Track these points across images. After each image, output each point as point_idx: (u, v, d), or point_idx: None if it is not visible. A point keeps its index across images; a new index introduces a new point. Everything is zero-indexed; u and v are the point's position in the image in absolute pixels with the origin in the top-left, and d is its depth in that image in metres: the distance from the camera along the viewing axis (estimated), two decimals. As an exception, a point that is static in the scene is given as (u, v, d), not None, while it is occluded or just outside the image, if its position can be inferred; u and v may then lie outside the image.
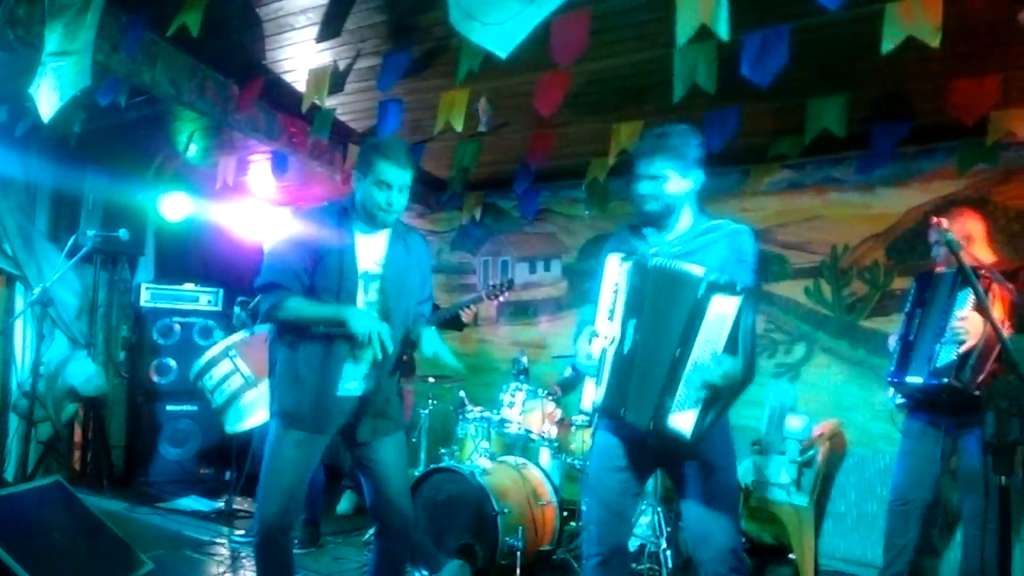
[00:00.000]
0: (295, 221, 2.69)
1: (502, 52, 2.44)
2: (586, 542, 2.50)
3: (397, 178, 2.60)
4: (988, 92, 3.33)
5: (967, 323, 3.04)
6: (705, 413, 2.12)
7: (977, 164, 4.00)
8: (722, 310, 2.10)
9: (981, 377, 3.06)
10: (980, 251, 3.35)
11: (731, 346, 2.10)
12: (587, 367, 2.37)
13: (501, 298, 4.72)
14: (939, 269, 3.35)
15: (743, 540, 2.39)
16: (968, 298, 3.07)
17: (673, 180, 2.35)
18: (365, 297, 2.67)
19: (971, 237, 3.33)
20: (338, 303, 2.58)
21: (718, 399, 2.14)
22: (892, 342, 3.54)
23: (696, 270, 2.16)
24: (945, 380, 3.06)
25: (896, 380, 3.33)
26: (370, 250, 2.70)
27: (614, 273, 2.32)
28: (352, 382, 2.65)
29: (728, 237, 2.37)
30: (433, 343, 2.72)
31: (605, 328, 2.32)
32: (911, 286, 3.46)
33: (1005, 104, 3.45)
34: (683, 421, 2.13)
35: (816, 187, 4.67)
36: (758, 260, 2.39)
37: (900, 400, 3.46)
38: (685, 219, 2.44)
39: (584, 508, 2.56)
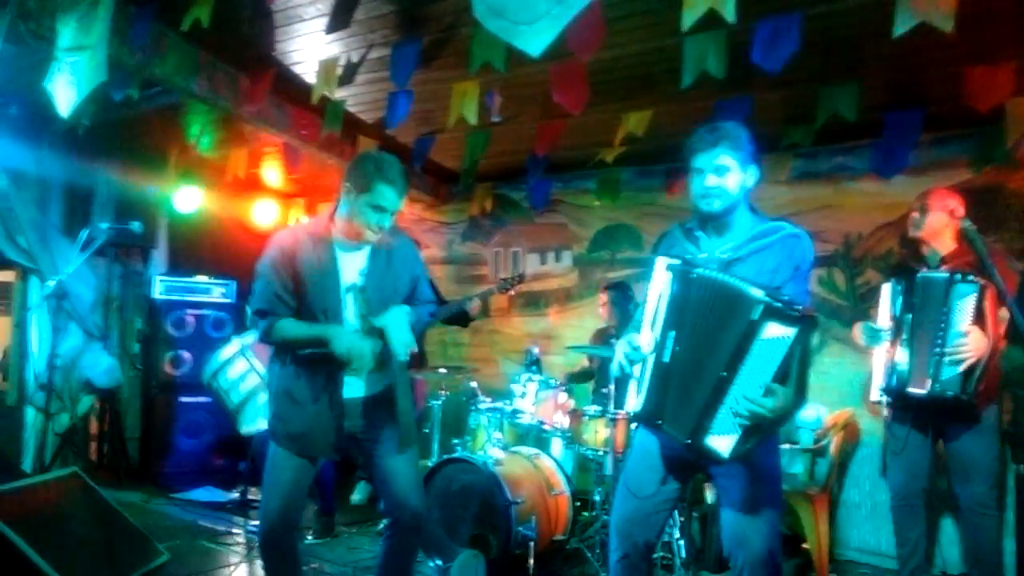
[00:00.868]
0: (274, 244, 2.65)
1: (534, 51, 2.41)
2: (613, 535, 2.46)
3: (394, 203, 2.60)
4: (1003, 80, 3.28)
5: (970, 340, 2.98)
6: (746, 438, 2.02)
7: (993, 160, 3.99)
8: (776, 336, 1.94)
9: (983, 386, 3.04)
10: (948, 236, 3.29)
11: (782, 373, 1.96)
12: (624, 372, 2.29)
13: (512, 292, 4.73)
14: (927, 272, 3.23)
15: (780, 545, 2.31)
16: (967, 308, 3.01)
17: (734, 173, 2.21)
18: (353, 309, 2.66)
19: (954, 212, 3.26)
20: (325, 321, 2.58)
21: (762, 428, 2.03)
22: (859, 334, 3.48)
23: (755, 291, 1.97)
24: (950, 394, 3.02)
25: (896, 390, 3.22)
26: (353, 262, 2.68)
27: (660, 278, 2.22)
28: (353, 385, 2.67)
29: (782, 242, 2.22)
30: (391, 319, 2.60)
31: (647, 334, 2.22)
32: (891, 286, 3.34)
33: (1021, 92, 3.39)
34: (722, 443, 2.03)
35: (829, 176, 4.63)
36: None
37: (882, 399, 3.38)
38: (741, 220, 2.29)
39: (615, 502, 2.49)
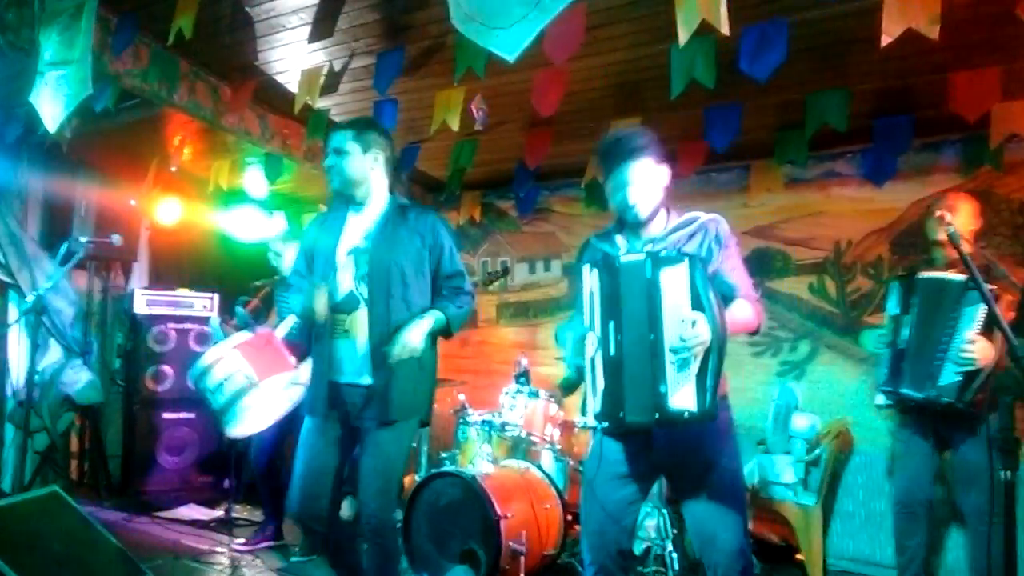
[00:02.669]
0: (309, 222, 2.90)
1: (509, 55, 2.40)
2: (586, 550, 2.45)
3: (330, 140, 2.76)
4: (989, 86, 3.28)
5: (976, 347, 2.92)
6: (701, 382, 2.06)
7: (982, 165, 4.01)
8: (675, 281, 2.10)
9: (981, 396, 2.98)
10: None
11: (697, 306, 2.07)
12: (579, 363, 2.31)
13: (495, 284, 4.63)
14: (936, 273, 3.18)
15: (751, 541, 2.32)
16: (977, 315, 2.93)
17: (645, 181, 2.30)
18: (352, 271, 2.70)
19: (976, 221, 3.25)
20: (319, 283, 2.69)
21: (706, 362, 2.06)
22: (867, 343, 3.48)
23: (636, 256, 2.17)
24: (944, 399, 2.97)
25: (890, 390, 3.20)
26: (359, 226, 2.77)
27: (588, 281, 2.28)
28: (356, 371, 2.68)
29: (703, 227, 2.32)
30: (397, 343, 2.57)
31: (591, 337, 2.24)
32: (894, 287, 3.31)
33: (1007, 97, 3.39)
34: (684, 398, 2.06)
35: (818, 182, 4.63)
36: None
37: (886, 402, 3.35)
38: (660, 218, 2.39)
39: (582, 515, 2.49)
